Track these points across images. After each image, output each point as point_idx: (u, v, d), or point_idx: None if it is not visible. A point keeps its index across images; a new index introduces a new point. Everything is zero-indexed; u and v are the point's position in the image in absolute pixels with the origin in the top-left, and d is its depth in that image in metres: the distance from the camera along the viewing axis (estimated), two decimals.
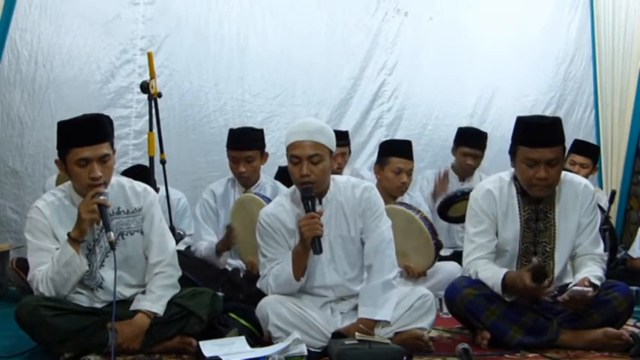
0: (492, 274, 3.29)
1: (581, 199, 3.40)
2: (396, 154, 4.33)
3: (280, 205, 3.31)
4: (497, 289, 3.25)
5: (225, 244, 4.21)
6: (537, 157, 3.25)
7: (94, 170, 2.94)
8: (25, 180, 5.08)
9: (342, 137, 4.92)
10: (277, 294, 3.21)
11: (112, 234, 2.88)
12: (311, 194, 3.16)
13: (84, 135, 2.96)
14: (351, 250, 3.32)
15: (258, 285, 3.32)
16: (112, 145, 3.04)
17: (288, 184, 3.90)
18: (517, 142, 3.34)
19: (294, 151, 3.18)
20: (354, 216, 3.29)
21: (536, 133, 3.27)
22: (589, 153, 5.39)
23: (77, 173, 2.96)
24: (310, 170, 3.15)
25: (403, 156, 4.34)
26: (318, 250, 3.10)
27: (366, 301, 3.21)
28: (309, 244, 3.10)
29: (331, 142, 3.24)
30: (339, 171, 4.61)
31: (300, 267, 3.17)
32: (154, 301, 3.06)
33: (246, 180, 4.43)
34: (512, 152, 3.37)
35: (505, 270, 3.29)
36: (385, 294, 3.20)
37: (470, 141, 5.21)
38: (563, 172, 3.48)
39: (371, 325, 3.16)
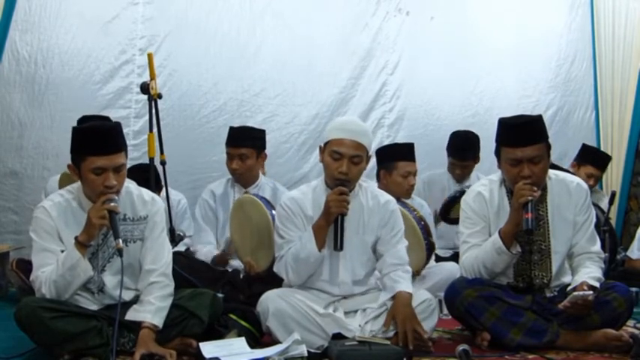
0: (487, 243, 3.33)
1: (574, 197, 3.42)
2: (402, 158, 4.32)
3: (303, 194, 3.41)
4: (499, 244, 3.27)
5: (222, 260, 4.23)
6: (520, 156, 3.28)
7: (109, 179, 2.94)
8: (24, 181, 5.05)
9: None
10: (296, 275, 3.27)
11: (120, 241, 2.89)
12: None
13: (103, 144, 2.95)
14: (362, 251, 3.37)
15: (275, 269, 3.38)
16: (126, 153, 3.05)
17: None
18: (500, 143, 3.39)
19: (337, 147, 3.24)
20: (372, 222, 3.36)
21: (517, 133, 3.30)
22: (602, 165, 5.38)
23: (91, 180, 2.96)
24: (349, 169, 3.23)
25: (410, 159, 4.34)
26: (340, 226, 3.19)
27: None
28: (332, 219, 3.19)
29: (370, 146, 3.33)
30: None
31: (321, 239, 3.23)
32: (154, 313, 3.00)
33: (240, 178, 4.42)
34: (497, 153, 3.41)
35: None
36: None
37: (454, 153, 5.18)
38: (555, 171, 3.50)
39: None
